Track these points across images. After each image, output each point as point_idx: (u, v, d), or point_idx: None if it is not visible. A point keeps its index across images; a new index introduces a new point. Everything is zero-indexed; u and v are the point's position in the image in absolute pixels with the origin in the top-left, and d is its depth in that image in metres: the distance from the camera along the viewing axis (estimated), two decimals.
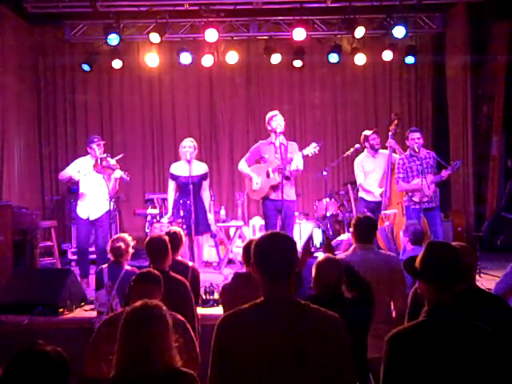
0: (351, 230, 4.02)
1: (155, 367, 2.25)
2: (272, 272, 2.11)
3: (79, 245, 6.75)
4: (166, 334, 2.34)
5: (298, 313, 2.09)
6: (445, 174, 6.18)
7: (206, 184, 6.69)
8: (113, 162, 6.52)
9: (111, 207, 6.42)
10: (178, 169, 6.63)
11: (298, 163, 6.13)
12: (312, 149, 6.16)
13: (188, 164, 6.43)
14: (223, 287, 3.93)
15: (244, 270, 3.99)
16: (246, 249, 3.75)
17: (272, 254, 2.12)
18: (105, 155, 6.50)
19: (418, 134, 6.34)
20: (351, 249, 3.97)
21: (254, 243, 2.19)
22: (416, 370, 2.10)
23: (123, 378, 2.30)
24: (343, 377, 2.07)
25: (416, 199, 6.22)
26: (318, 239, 3.34)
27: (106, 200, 6.42)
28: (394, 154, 6.87)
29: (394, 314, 3.83)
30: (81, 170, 6.56)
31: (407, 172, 6.34)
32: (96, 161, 6.52)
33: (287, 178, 6.15)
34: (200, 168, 6.64)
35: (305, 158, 6.20)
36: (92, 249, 6.86)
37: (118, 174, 6.49)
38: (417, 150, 6.24)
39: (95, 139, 6.67)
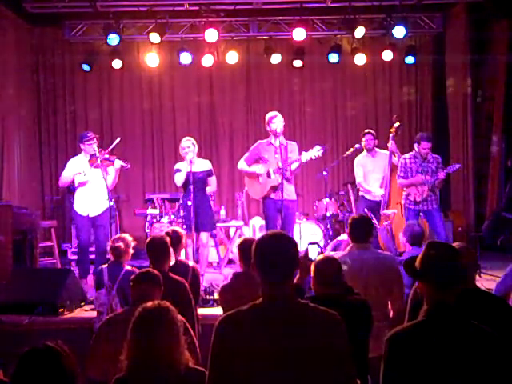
0: (347, 229, 4.02)
1: (169, 366, 2.28)
2: (273, 273, 2.10)
3: (80, 243, 6.50)
4: (177, 334, 2.38)
5: (297, 313, 2.09)
6: (442, 174, 6.24)
7: (210, 180, 6.50)
8: (109, 157, 6.40)
9: (111, 204, 6.27)
10: (182, 167, 6.45)
11: (294, 164, 6.12)
12: (316, 152, 6.05)
13: (190, 164, 6.30)
14: (222, 287, 3.92)
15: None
16: (242, 248, 3.74)
17: (273, 254, 2.10)
18: (98, 150, 6.31)
19: (430, 145, 6.38)
20: (347, 248, 3.96)
21: (254, 243, 2.17)
22: (415, 370, 2.10)
23: (135, 377, 2.31)
24: (344, 375, 2.06)
25: (411, 198, 6.33)
26: (313, 254, 3.36)
27: (105, 196, 6.21)
28: (392, 157, 6.91)
29: (391, 313, 3.82)
30: (77, 171, 6.39)
31: (407, 172, 6.41)
32: (91, 156, 6.33)
33: (287, 180, 6.14)
34: (204, 165, 6.49)
35: (304, 161, 6.15)
36: (92, 248, 6.67)
37: (118, 164, 6.33)
38: (424, 157, 6.35)
39: (88, 135, 6.44)
